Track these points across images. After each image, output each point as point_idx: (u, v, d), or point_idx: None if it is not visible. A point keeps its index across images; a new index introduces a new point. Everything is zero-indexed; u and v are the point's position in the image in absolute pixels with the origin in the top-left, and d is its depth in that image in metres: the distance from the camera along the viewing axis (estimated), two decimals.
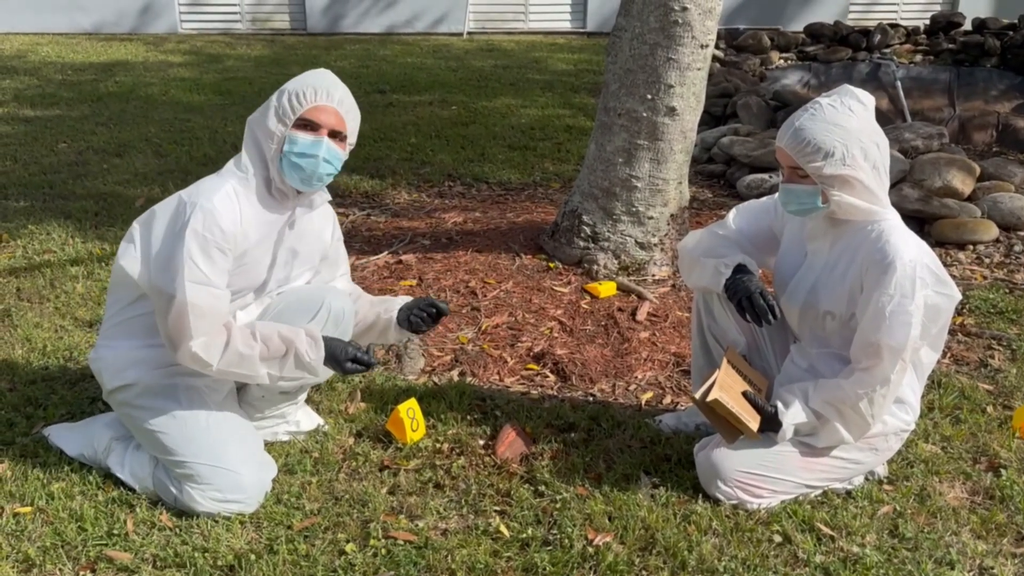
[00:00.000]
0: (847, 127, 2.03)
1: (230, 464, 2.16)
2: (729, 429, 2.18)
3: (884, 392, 2.09)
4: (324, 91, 2.13)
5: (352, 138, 2.23)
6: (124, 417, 2.26)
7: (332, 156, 2.16)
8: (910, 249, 2.04)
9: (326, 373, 2.23)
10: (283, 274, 2.29)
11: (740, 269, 2.26)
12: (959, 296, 2.11)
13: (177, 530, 2.12)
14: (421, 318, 2.39)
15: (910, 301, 2.02)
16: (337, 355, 2.16)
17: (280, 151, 2.13)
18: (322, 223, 2.38)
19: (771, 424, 2.16)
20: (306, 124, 2.13)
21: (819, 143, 2.03)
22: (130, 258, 2.11)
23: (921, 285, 2.03)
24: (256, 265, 2.20)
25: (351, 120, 2.21)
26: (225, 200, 2.08)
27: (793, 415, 2.15)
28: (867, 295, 2.08)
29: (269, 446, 2.43)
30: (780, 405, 2.17)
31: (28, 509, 2.18)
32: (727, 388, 2.13)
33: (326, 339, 2.17)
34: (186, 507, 2.16)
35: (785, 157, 2.11)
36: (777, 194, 2.31)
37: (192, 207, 2.05)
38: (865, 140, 2.05)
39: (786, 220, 2.36)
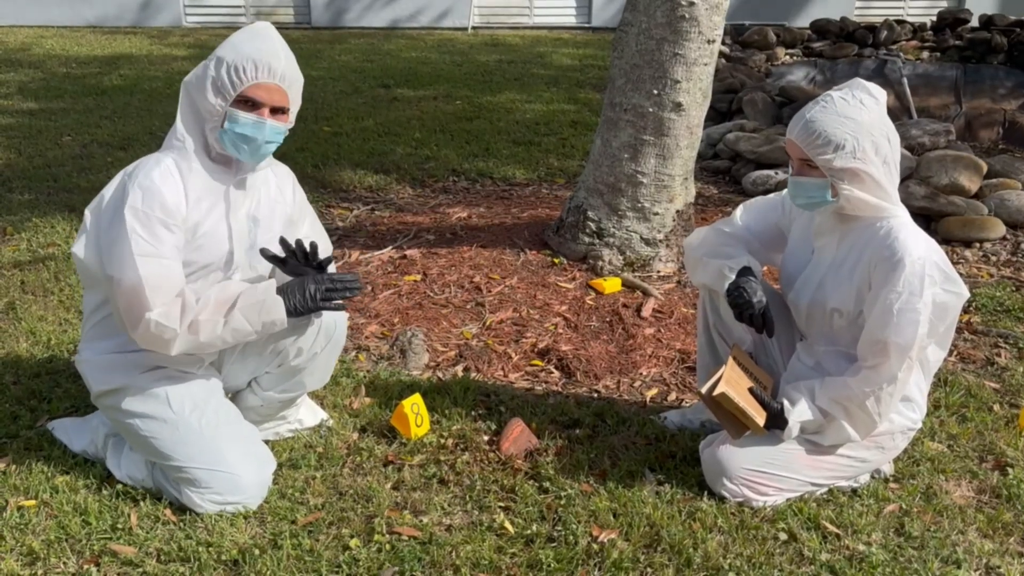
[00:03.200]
0: (858, 120, 2.02)
1: (227, 466, 2.12)
2: (735, 424, 2.17)
3: (891, 390, 2.08)
4: (265, 67, 2.02)
5: (296, 106, 2.14)
6: (114, 422, 2.22)
7: (275, 135, 2.08)
8: (919, 246, 2.03)
9: (296, 322, 2.12)
10: (247, 243, 2.18)
11: (744, 271, 2.25)
12: (967, 294, 2.10)
13: (181, 524, 2.11)
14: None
15: (918, 299, 2.01)
16: (303, 288, 2.06)
17: (221, 125, 2.05)
18: (279, 186, 2.29)
19: (777, 421, 2.15)
20: (247, 101, 2.04)
21: (830, 135, 2.02)
22: (81, 244, 2.06)
23: (930, 283, 2.02)
24: (214, 236, 2.11)
25: (294, 91, 2.11)
26: (165, 175, 2.02)
27: (799, 412, 2.14)
28: (875, 292, 2.07)
29: (273, 442, 2.43)
30: (786, 403, 2.16)
31: (32, 502, 2.18)
32: (733, 383, 2.12)
33: (290, 283, 2.09)
34: (187, 507, 2.15)
35: (795, 149, 2.09)
36: (785, 190, 2.30)
37: (131, 185, 2.00)
38: (876, 134, 2.03)
39: (793, 217, 2.35)
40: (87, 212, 2.10)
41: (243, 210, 2.17)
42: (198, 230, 2.08)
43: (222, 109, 2.04)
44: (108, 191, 2.06)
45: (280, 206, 2.28)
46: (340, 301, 2.11)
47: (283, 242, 2.14)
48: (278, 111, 2.08)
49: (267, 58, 2.03)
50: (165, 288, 1.99)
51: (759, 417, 2.12)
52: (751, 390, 2.15)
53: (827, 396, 2.14)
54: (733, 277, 2.24)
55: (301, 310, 2.08)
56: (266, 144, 2.08)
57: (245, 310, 2.03)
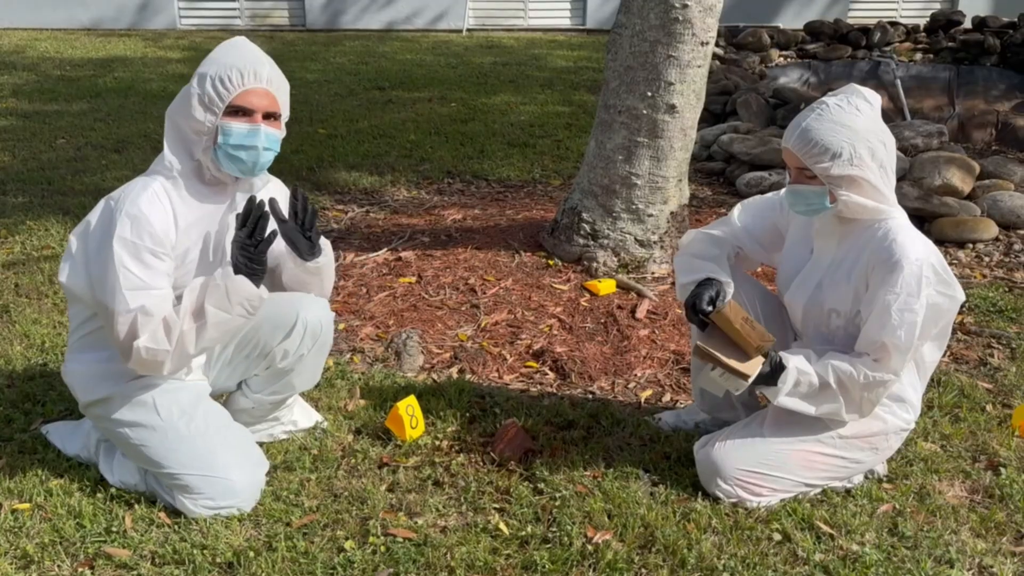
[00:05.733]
0: (854, 127, 2.02)
1: (219, 471, 2.12)
2: (736, 352, 2.08)
3: (888, 383, 2.08)
4: (251, 72, 1.99)
5: (286, 113, 2.10)
6: (104, 431, 2.21)
7: (271, 141, 2.05)
8: (917, 248, 2.04)
9: (259, 292, 2.04)
10: None
11: (704, 283, 2.22)
12: (962, 297, 2.10)
13: (176, 527, 2.11)
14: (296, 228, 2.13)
15: (916, 300, 2.02)
16: (232, 251, 2.01)
17: (214, 143, 2.01)
18: (270, 200, 2.19)
19: (774, 374, 2.09)
20: (237, 110, 2.00)
21: (826, 144, 2.02)
22: (67, 272, 2.04)
23: (926, 283, 2.02)
24: (202, 260, 2.10)
25: (282, 95, 2.07)
26: (153, 201, 1.99)
27: (799, 362, 2.10)
28: (872, 293, 2.07)
29: (268, 444, 2.43)
30: (784, 354, 2.12)
31: (27, 505, 2.18)
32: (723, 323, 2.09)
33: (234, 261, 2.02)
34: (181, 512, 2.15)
35: (792, 158, 2.10)
36: (783, 190, 2.31)
37: (118, 214, 1.96)
38: (872, 140, 2.04)
39: (791, 216, 2.35)
40: (72, 237, 2.07)
41: (233, 231, 2.12)
42: (187, 256, 2.07)
43: (212, 125, 2.00)
44: (93, 217, 2.03)
45: (270, 220, 2.19)
46: (266, 235, 2.02)
47: (293, 199, 2.10)
48: (270, 117, 2.05)
49: (251, 64, 2.01)
50: (155, 317, 1.97)
51: (752, 342, 2.06)
52: (746, 319, 2.08)
53: (827, 363, 2.09)
54: (692, 288, 2.22)
55: (251, 269, 2.01)
56: (264, 151, 2.04)
57: (216, 303, 1.99)
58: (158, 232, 1.98)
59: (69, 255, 2.06)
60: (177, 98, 2.05)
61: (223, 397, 2.44)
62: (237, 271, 2.02)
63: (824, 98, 2.09)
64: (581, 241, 3.65)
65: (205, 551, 2.03)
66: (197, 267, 2.10)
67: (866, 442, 2.23)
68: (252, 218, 2.01)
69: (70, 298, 2.14)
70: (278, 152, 2.10)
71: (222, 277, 2.01)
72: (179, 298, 2.08)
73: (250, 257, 2.02)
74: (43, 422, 2.52)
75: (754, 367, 2.07)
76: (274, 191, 2.28)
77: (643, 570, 2.03)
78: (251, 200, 2.03)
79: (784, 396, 2.12)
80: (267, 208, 2.04)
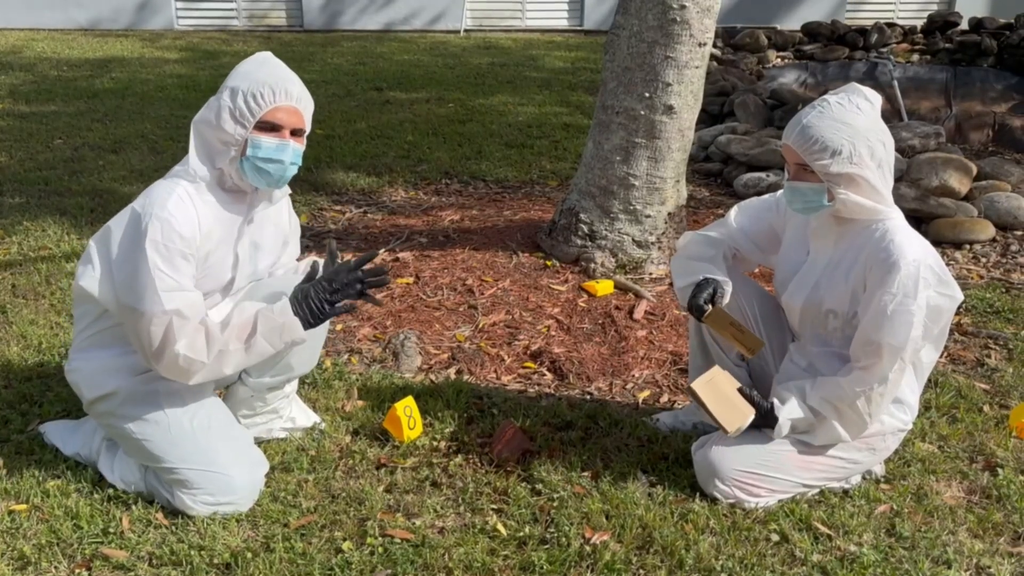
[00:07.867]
0: (855, 125, 2.03)
1: (219, 467, 2.13)
2: (726, 404, 2.17)
3: (882, 391, 2.09)
4: (282, 90, 2.06)
5: (309, 127, 2.17)
6: (108, 427, 2.22)
7: (296, 156, 2.11)
8: (914, 249, 2.04)
9: (308, 332, 2.12)
10: (249, 269, 2.23)
11: (702, 284, 2.25)
12: (961, 297, 2.10)
13: (173, 528, 2.11)
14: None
15: (912, 301, 2.02)
16: (308, 301, 2.08)
17: (241, 154, 2.07)
18: (277, 208, 2.31)
19: (767, 419, 2.17)
20: (267, 126, 2.06)
21: (827, 141, 2.03)
22: (89, 278, 2.05)
23: (924, 285, 2.03)
24: (220, 265, 2.14)
25: (308, 112, 2.14)
26: (179, 204, 2.01)
27: (790, 410, 2.16)
28: (870, 294, 2.08)
29: (265, 444, 2.43)
30: (776, 401, 2.17)
31: (23, 507, 2.17)
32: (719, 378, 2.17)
33: (295, 294, 2.10)
34: (180, 510, 2.15)
35: (792, 154, 2.10)
36: (780, 191, 2.31)
37: (148, 218, 1.98)
38: (872, 139, 2.04)
39: (788, 217, 2.35)
40: (92, 243, 2.09)
41: (248, 237, 2.20)
42: (209, 259, 2.10)
43: (242, 138, 2.05)
44: (116, 223, 2.05)
45: (278, 228, 2.31)
46: (346, 302, 2.12)
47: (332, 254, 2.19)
48: (296, 133, 2.11)
49: (283, 83, 2.07)
50: (192, 319, 2.00)
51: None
52: (740, 390, 2.16)
53: (818, 395, 2.15)
54: (690, 292, 2.26)
55: (314, 322, 2.10)
56: (291, 166, 2.10)
57: (267, 335, 2.05)
58: (187, 234, 2.01)
59: (88, 259, 2.08)
60: (204, 108, 2.10)
61: (222, 391, 2.45)
62: (296, 314, 2.07)
63: (825, 96, 2.10)
64: (579, 242, 3.66)
65: (202, 552, 2.03)
66: (214, 273, 2.13)
67: (864, 443, 2.24)
68: (344, 280, 2.09)
69: (80, 299, 2.14)
70: (300, 165, 2.15)
71: (280, 313, 2.07)
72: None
73: (322, 313, 2.09)
74: (40, 423, 2.52)
75: (737, 423, 2.14)
76: (289, 201, 2.34)
77: (641, 571, 2.03)
78: (335, 257, 2.11)
79: (782, 438, 2.21)
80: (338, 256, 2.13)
